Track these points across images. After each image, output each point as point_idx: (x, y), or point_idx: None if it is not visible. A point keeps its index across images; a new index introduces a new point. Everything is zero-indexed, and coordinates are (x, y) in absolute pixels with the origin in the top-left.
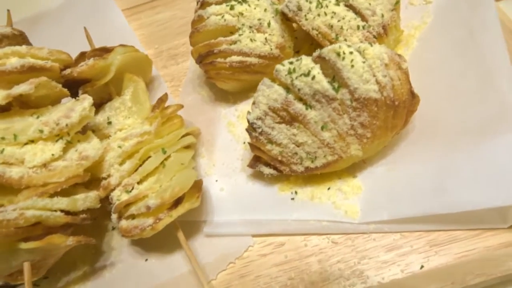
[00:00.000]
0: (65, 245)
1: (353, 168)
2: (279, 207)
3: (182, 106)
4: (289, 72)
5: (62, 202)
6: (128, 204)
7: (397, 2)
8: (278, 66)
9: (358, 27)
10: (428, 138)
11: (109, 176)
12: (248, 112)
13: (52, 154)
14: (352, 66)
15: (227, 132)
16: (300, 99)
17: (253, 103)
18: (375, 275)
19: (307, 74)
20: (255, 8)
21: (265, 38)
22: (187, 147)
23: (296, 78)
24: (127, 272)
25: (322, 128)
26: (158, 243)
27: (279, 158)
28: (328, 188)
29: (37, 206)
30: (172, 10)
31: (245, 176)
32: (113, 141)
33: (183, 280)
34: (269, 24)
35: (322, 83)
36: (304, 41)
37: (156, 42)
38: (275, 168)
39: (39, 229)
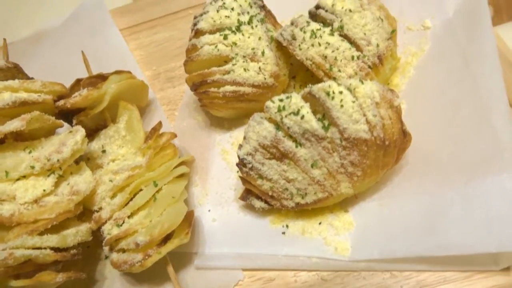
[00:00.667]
0: (54, 282)
1: (345, 203)
2: (270, 241)
3: (175, 136)
4: (279, 110)
5: (52, 240)
6: (118, 239)
7: (393, 31)
8: (268, 103)
9: (352, 57)
10: (421, 173)
11: (100, 209)
12: (239, 147)
13: (44, 190)
14: (342, 106)
15: (221, 159)
16: (290, 136)
17: (244, 138)
18: None
19: (296, 113)
20: (249, 37)
21: (259, 67)
22: (181, 175)
23: (286, 116)
24: None
25: (312, 166)
26: (150, 275)
27: (270, 193)
28: (320, 223)
29: (27, 245)
30: (170, 30)
31: (237, 207)
32: (105, 174)
33: None
34: (263, 53)
35: (311, 122)
36: (300, 67)
37: (154, 64)
38: (266, 202)
39: (29, 266)
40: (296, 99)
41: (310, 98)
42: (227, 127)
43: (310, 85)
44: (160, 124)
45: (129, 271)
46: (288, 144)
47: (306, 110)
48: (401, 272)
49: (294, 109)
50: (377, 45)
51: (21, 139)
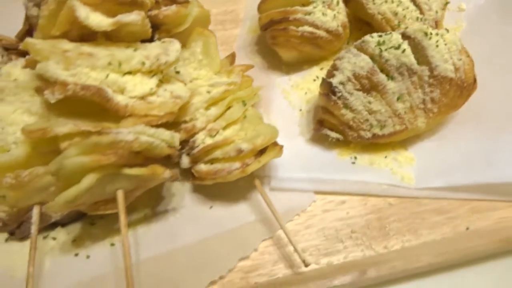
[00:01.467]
0: (162, 177)
1: (404, 142)
2: (341, 168)
3: (252, 66)
4: (378, 44)
5: (166, 134)
6: (214, 148)
7: (447, 3)
8: (367, 38)
9: (417, 18)
10: (475, 121)
11: (192, 119)
12: (329, 76)
13: (151, 88)
14: (437, 46)
15: (283, 98)
16: (383, 70)
17: (335, 69)
18: (428, 233)
19: (397, 47)
20: None
21: (334, 15)
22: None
23: (386, 50)
24: (191, 218)
25: (398, 99)
26: (222, 191)
27: (350, 123)
28: (385, 157)
29: (148, 133)
30: None
31: (304, 140)
32: (201, 86)
33: (249, 229)
34: (337, 2)
35: (410, 57)
36: (353, 27)
37: (206, 5)
38: (341, 133)
39: (140, 158)
40: (396, 36)
41: (404, 39)
42: (285, 71)
43: (401, 28)
44: (234, 53)
45: (222, 180)
46: (381, 77)
47: (406, 45)
48: (456, 200)
49: (394, 44)
50: (436, 12)
51: (109, 40)
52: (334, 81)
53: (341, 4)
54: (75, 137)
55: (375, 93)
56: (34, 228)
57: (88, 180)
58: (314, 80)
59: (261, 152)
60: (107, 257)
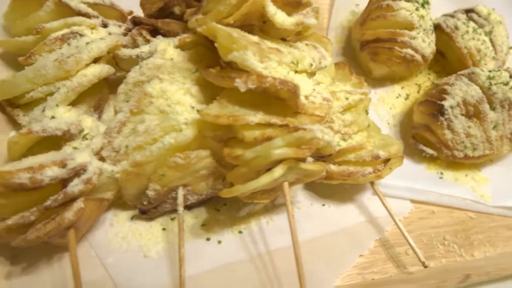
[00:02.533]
0: (322, 174)
1: (479, 165)
2: (431, 181)
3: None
4: (489, 78)
5: (332, 135)
6: (345, 151)
7: (511, 48)
8: (478, 71)
9: (492, 57)
10: None
11: (327, 121)
12: (441, 99)
13: (313, 89)
14: None
15: (373, 110)
16: (487, 101)
17: (445, 93)
18: (504, 245)
19: (506, 84)
20: (427, 15)
21: (429, 43)
22: None
23: (495, 84)
24: (306, 213)
25: (494, 127)
26: (332, 192)
27: (448, 143)
28: (466, 175)
29: (325, 131)
30: None
31: None
32: (340, 92)
33: (362, 229)
34: (432, 32)
35: None
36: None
37: None
38: (436, 150)
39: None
40: (505, 74)
41: None
42: (371, 84)
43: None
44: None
45: (351, 182)
46: (486, 106)
47: None
48: None
49: (504, 80)
50: (505, 53)
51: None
52: (446, 104)
53: (434, 34)
54: (260, 128)
55: (476, 119)
56: (180, 209)
57: (280, 170)
58: (397, 97)
59: (387, 160)
60: (238, 244)
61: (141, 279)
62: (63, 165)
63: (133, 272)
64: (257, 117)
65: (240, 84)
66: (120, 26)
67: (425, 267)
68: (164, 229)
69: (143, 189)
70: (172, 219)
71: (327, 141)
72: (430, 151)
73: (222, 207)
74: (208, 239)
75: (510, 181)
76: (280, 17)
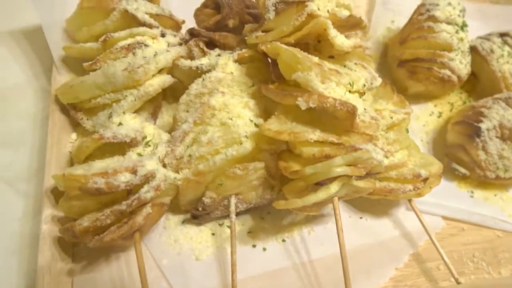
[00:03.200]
0: (369, 191)
1: (508, 186)
2: (462, 199)
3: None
4: None
5: (381, 153)
6: (388, 169)
7: None
8: None
9: None
10: None
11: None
12: (478, 121)
13: (364, 109)
14: None
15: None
16: None
17: (482, 115)
18: None
19: None
20: (465, 38)
21: (465, 65)
22: None
23: None
24: (344, 225)
25: None
26: (369, 205)
27: (481, 164)
28: (495, 195)
29: (377, 151)
30: None
31: None
32: (384, 111)
33: (397, 242)
34: (469, 54)
35: None
36: None
37: None
38: (469, 169)
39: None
40: None
41: None
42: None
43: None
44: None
45: (391, 198)
46: None
47: None
48: None
49: None
50: None
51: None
52: (483, 126)
53: (470, 56)
54: (317, 145)
55: (510, 142)
56: (233, 217)
57: (335, 187)
58: (430, 114)
59: (424, 179)
60: (282, 251)
61: (194, 281)
62: (134, 171)
63: (186, 274)
64: (315, 134)
65: (302, 102)
66: (175, 36)
67: (458, 283)
68: (213, 234)
69: (199, 196)
70: (220, 224)
71: (380, 160)
72: (463, 170)
73: (266, 216)
74: (254, 246)
75: None
76: (340, 39)
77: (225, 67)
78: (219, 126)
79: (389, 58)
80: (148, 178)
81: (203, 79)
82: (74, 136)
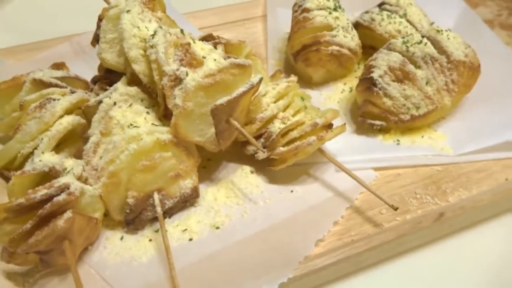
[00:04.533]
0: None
1: (434, 125)
2: (390, 148)
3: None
4: (404, 43)
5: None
6: (287, 131)
7: (432, 23)
8: (393, 41)
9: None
10: (483, 99)
11: (264, 111)
12: (370, 73)
13: None
14: (448, 38)
15: (322, 107)
16: (410, 62)
17: (371, 67)
18: (477, 187)
19: (419, 42)
20: (342, 16)
21: (351, 37)
22: None
23: (411, 45)
24: (277, 200)
25: (426, 83)
26: (297, 178)
27: (391, 109)
28: (422, 136)
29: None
30: None
31: (350, 132)
32: (267, 86)
33: (332, 202)
34: (352, 28)
35: (431, 47)
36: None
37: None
38: (383, 120)
39: None
40: (417, 35)
41: None
42: (315, 87)
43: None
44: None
45: (301, 155)
46: (411, 67)
47: (426, 40)
48: (488, 161)
49: (417, 40)
50: (422, 26)
51: None
52: (374, 75)
53: (354, 30)
54: None
55: (407, 81)
56: (158, 209)
57: None
58: (342, 92)
59: (329, 127)
60: (219, 235)
61: (137, 281)
62: (50, 187)
63: (129, 277)
64: None
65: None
66: (86, 93)
67: (395, 209)
68: (150, 240)
69: (124, 201)
70: (156, 231)
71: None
72: (378, 122)
73: (198, 209)
74: (190, 240)
75: (465, 130)
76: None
77: (120, 88)
78: (121, 131)
79: (289, 59)
80: (63, 188)
81: (110, 98)
82: None
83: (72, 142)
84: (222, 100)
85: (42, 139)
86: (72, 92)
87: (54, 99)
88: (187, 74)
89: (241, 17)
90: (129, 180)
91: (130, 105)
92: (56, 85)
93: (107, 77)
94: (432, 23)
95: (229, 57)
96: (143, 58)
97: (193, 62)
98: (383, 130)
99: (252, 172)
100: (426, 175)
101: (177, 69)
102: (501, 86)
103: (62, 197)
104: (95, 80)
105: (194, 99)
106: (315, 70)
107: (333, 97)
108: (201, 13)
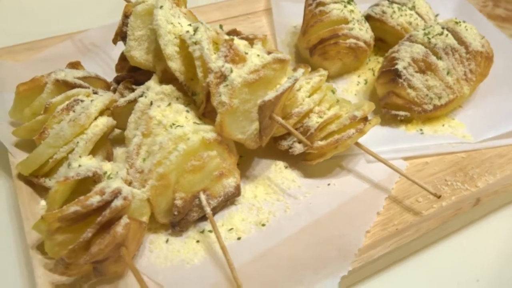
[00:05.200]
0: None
1: (452, 115)
2: (415, 138)
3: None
4: (425, 34)
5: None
6: (325, 125)
7: (437, 15)
8: (414, 33)
9: (424, 27)
10: (496, 87)
11: (300, 105)
12: (394, 65)
13: None
14: (466, 29)
15: None
16: (432, 53)
17: (395, 59)
18: (501, 171)
19: (441, 34)
20: (355, 9)
21: (366, 30)
22: None
23: (432, 37)
24: (316, 195)
25: (447, 73)
26: (332, 171)
27: (415, 100)
28: (443, 125)
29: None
30: None
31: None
32: (301, 80)
33: (371, 192)
34: (365, 21)
35: (452, 39)
36: None
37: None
38: (407, 110)
39: None
40: (437, 26)
41: None
42: (330, 81)
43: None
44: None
45: (342, 148)
46: (433, 58)
47: (446, 31)
48: (507, 146)
49: (438, 32)
50: (434, 21)
51: None
52: (399, 67)
53: (367, 23)
54: None
55: (430, 72)
56: (207, 209)
57: None
58: (357, 84)
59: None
60: (266, 233)
61: (194, 283)
62: (102, 193)
63: (185, 281)
64: None
65: None
66: (106, 92)
67: (438, 196)
68: (198, 241)
69: (171, 203)
70: (201, 232)
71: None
72: (402, 113)
73: (239, 207)
74: (239, 239)
75: (481, 118)
76: None
77: (155, 87)
78: (165, 132)
79: (302, 53)
80: (116, 193)
81: (145, 97)
82: (43, 202)
83: (102, 144)
84: (270, 95)
85: (77, 143)
86: (95, 93)
87: (82, 100)
88: (231, 71)
89: (244, 11)
90: (177, 181)
91: (169, 104)
92: (80, 86)
93: (131, 76)
94: (437, 15)
95: (269, 52)
96: (178, 55)
97: (236, 58)
98: (404, 121)
99: (286, 167)
100: (452, 162)
101: (222, 66)
102: (508, 74)
103: (119, 202)
104: (118, 80)
105: (240, 96)
106: (333, 63)
107: (350, 89)
108: (205, 8)
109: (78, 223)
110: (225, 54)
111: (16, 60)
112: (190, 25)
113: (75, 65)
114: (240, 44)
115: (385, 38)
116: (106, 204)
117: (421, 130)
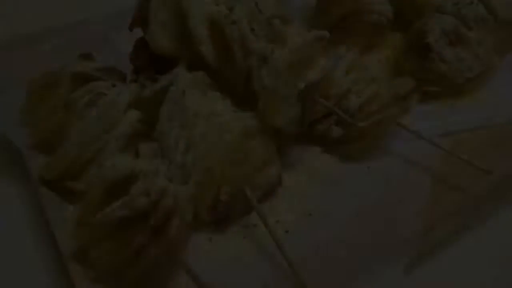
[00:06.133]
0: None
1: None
2: (448, 114)
3: None
4: (455, 4)
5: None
6: (363, 105)
7: None
8: (444, 3)
9: None
10: None
11: (339, 85)
12: (425, 38)
13: None
14: None
15: None
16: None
17: (422, 32)
18: None
19: (470, 3)
20: None
21: (386, 6)
22: None
23: (462, 7)
24: (360, 178)
25: (478, 44)
26: (367, 155)
27: (446, 74)
28: (473, 98)
29: None
30: None
31: None
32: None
33: (412, 173)
34: None
35: (482, 8)
36: None
37: None
38: (438, 85)
39: None
40: None
41: None
42: None
43: None
44: None
45: (391, 123)
46: (464, 29)
47: (475, 1)
48: None
49: (468, 1)
50: None
51: None
52: (430, 40)
53: None
54: None
55: (460, 43)
56: (254, 201)
57: None
58: (379, 61)
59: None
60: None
61: (252, 282)
62: (147, 193)
63: (240, 279)
64: None
65: None
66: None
67: (489, 172)
68: (244, 237)
69: (216, 199)
70: (246, 226)
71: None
72: (434, 88)
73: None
74: (287, 231)
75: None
76: None
77: (186, 75)
78: (205, 121)
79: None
80: (163, 192)
81: (176, 85)
82: (71, 208)
83: (131, 140)
84: (315, 77)
85: (107, 140)
86: (113, 85)
87: (105, 94)
88: (273, 51)
89: None
90: (221, 175)
91: (204, 92)
92: (99, 78)
93: (152, 65)
94: None
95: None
96: (209, 39)
97: (277, 38)
98: (435, 96)
99: (322, 152)
100: (490, 136)
101: (265, 47)
102: None
103: (168, 202)
104: (137, 70)
105: (283, 78)
106: (355, 41)
107: (371, 68)
108: None
109: (123, 228)
110: (265, 33)
111: (21, 52)
112: (222, 4)
113: (88, 57)
114: (276, 22)
115: (404, 11)
116: (154, 204)
117: (452, 105)
